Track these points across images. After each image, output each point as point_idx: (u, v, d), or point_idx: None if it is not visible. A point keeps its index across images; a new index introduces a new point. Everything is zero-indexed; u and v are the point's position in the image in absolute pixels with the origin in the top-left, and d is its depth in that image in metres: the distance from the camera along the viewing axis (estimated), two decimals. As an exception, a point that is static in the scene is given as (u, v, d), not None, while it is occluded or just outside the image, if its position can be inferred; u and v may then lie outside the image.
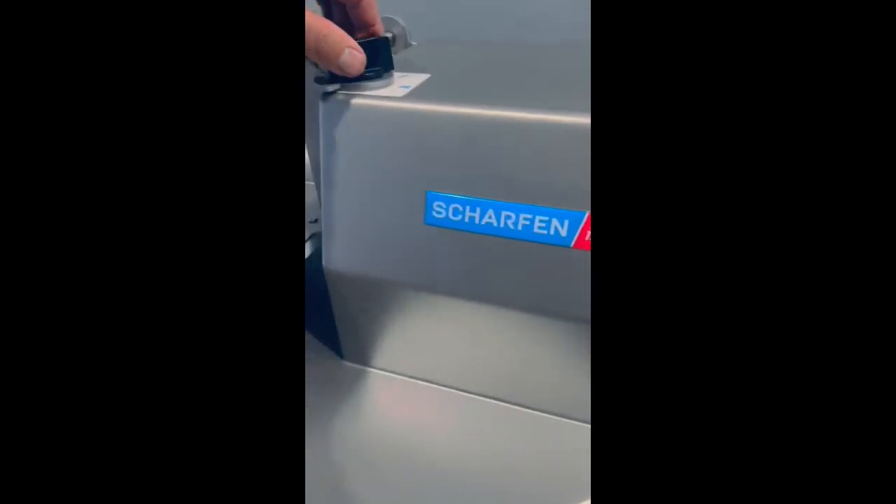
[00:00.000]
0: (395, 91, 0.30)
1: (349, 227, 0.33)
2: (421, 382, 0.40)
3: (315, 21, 0.27)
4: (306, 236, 0.40)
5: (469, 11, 0.64)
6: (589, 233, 0.27)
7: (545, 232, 0.28)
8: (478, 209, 0.29)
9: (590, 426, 0.36)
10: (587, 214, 0.27)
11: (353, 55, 0.28)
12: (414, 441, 0.36)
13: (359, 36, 0.33)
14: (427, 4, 0.61)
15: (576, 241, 0.28)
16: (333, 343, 0.42)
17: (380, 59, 0.31)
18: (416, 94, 0.30)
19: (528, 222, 0.28)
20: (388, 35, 0.40)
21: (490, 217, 0.29)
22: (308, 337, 0.44)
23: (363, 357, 0.41)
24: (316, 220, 0.43)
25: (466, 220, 0.30)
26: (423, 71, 0.34)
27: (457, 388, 0.39)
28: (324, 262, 0.34)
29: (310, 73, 0.31)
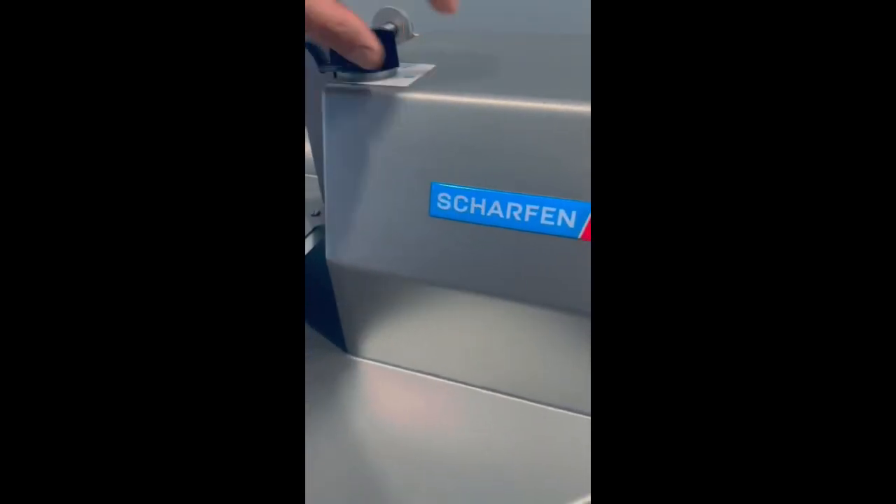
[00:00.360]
0: (400, 81, 0.30)
1: (353, 219, 0.32)
2: (425, 376, 0.40)
3: (333, 9, 0.26)
4: (308, 230, 0.40)
5: (471, 3, 0.64)
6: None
7: (552, 223, 0.28)
8: (483, 201, 0.29)
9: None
10: (595, 205, 0.27)
11: (372, 41, 0.27)
12: (417, 434, 0.36)
13: None
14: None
15: (583, 233, 0.27)
16: (337, 337, 0.42)
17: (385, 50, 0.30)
18: (420, 85, 0.29)
19: (534, 213, 0.28)
20: (391, 26, 0.40)
21: (496, 208, 0.29)
22: (311, 331, 0.44)
23: (367, 350, 0.41)
24: (318, 214, 0.42)
25: (472, 211, 0.29)
26: (427, 62, 0.34)
27: (462, 382, 0.39)
28: (327, 255, 0.34)
29: (310, 66, 0.30)
